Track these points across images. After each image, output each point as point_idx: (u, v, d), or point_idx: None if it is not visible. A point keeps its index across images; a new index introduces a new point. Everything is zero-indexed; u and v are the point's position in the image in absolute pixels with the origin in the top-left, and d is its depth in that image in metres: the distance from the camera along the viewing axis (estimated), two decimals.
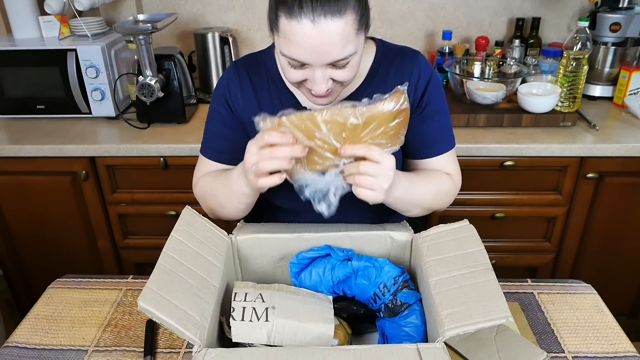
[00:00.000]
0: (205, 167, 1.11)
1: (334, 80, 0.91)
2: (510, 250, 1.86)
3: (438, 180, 1.04)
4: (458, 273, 0.84)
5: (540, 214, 1.79)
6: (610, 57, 1.93)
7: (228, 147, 1.09)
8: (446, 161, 1.08)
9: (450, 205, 1.74)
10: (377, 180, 0.83)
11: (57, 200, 1.82)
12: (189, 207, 0.97)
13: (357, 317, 0.97)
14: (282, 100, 1.05)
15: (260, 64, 1.07)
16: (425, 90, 1.04)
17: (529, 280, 1.16)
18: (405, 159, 1.11)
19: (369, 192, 0.84)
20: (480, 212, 1.76)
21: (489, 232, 1.80)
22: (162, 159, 1.71)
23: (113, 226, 1.87)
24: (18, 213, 1.86)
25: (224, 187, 1.00)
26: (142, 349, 0.99)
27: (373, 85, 1.04)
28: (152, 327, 1.04)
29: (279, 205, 1.14)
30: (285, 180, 1.01)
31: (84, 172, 1.74)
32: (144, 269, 1.90)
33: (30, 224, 1.88)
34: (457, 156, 1.63)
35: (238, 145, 1.08)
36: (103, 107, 1.85)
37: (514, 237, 1.84)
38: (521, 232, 1.83)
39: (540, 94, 1.78)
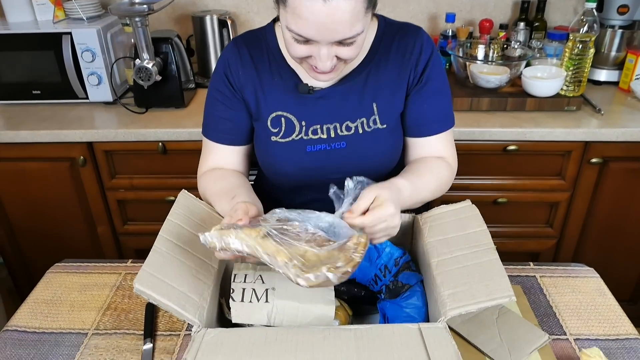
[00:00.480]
0: (211, 151, 1.11)
1: (338, 57, 0.91)
2: (512, 236, 1.86)
3: (437, 173, 1.04)
4: (460, 253, 0.84)
5: (542, 200, 1.79)
6: (617, 41, 1.92)
7: (231, 128, 1.09)
8: (443, 142, 1.08)
9: (452, 190, 1.74)
10: (390, 231, 0.83)
11: (56, 186, 1.82)
12: (186, 191, 0.97)
13: (358, 299, 0.97)
14: (282, 75, 1.05)
15: (260, 40, 1.07)
16: (426, 66, 1.04)
17: (531, 263, 1.16)
18: (405, 139, 1.10)
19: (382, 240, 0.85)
20: (483, 197, 1.76)
21: (491, 217, 1.80)
22: (160, 144, 1.70)
23: (112, 212, 1.88)
24: (17, 200, 1.86)
25: (221, 211, 1.00)
26: (142, 332, 1.00)
27: (375, 61, 1.04)
28: (152, 310, 1.04)
29: (282, 199, 1.16)
30: (291, 179, 1.07)
31: (81, 157, 1.74)
32: (144, 255, 1.86)
33: (29, 211, 1.89)
34: (460, 140, 1.65)
35: (240, 124, 1.08)
36: (100, 91, 1.84)
37: (516, 222, 1.84)
38: (523, 218, 1.83)
39: (545, 78, 1.77)
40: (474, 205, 0.95)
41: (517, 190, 1.77)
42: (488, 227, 0.90)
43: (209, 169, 1.11)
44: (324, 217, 0.82)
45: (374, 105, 1.04)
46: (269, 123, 1.05)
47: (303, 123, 1.04)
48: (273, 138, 1.05)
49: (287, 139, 1.04)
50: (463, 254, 0.84)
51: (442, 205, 0.96)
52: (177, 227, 0.89)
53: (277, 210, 0.85)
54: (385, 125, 1.04)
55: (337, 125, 1.03)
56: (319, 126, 1.03)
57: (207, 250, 0.88)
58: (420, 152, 1.08)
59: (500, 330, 0.95)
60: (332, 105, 1.04)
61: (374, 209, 0.80)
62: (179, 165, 1.77)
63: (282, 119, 1.04)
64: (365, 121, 1.04)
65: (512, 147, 1.67)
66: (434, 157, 1.07)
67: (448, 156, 1.08)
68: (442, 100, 1.06)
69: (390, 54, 1.04)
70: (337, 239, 0.80)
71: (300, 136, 1.04)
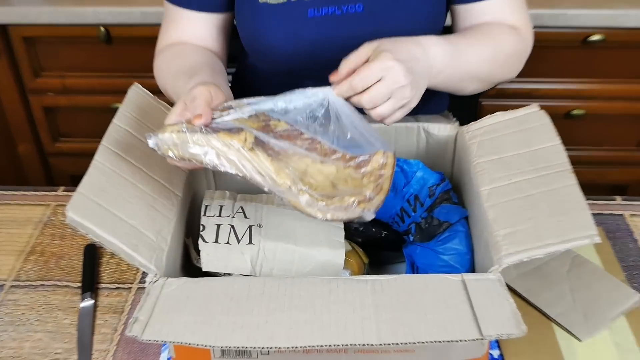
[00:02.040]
0: (174, 20, 1.10)
1: None
2: (591, 162, 1.86)
3: (495, 38, 1.00)
4: (522, 178, 0.82)
5: (634, 112, 1.77)
6: None
7: None
8: (509, 5, 1.04)
9: (509, 98, 1.71)
10: (397, 101, 0.81)
11: None
12: (139, 84, 0.94)
13: (377, 242, 0.97)
14: None
15: None
16: None
17: (617, 198, 1.16)
18: (452, 8, 1.08)
19: (394, 116, 0.84)
20: (552, 108, 1.70)
21: (563, 135, 1.76)
22: (102, 28, 1.67)
23: (38, 124, 1.87)
24: None
25: (176, 96, 0.98)
26: (80, 284, 1.00)
27: None
28: (92, 256, 1.04)
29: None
30: (285, 58, 1.07)
31: None
32: None
33: None
34: None
35: None
36: None
37: (596, 143, 1.84)
38: (606, 137, 1.83)
39: None
40: (543, 111, 0.92)
41: (599, 99, 1.75)
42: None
43: (169, 44, 1.10)
44: (318, 98, 0.80)
45: None
46: None
47: None
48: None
49: (281, 0, 1.01)
50: (526, 179, 0.82)
51: (497, 113, 0.93)
52: (127, 135, 0.87)
53: (247, 99, 0.83)
54: None
55: None
56: None
57: (168, 171, 0.87)
58: (474, 22, 1.05)
59: (573, 288, 0.94)
60: None
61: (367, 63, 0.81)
62: (128, 60, 1.75)
63: None
64: None
65: (596, 37, 1.63)
66: (495, 23, 1.04)
67: (518, 24, 1.05)
68: None
69: None
70: (341, 145, 0.79)
71: None
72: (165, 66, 1.04)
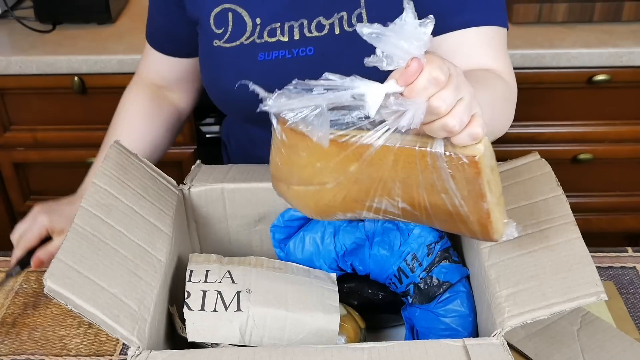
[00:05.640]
0: (148, 55, 1.22)
1: None
2: (600, 209, 1.86)
3: (486, 82, 0.93)
4: (524, 234, 0.83)
5: None
6: None
7: (173, 39, 1.18)
8: (488, 43, 0.99)
9: (510, 143, 1.72)
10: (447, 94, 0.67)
11: None
12: (119, 141, 0.95)
13: (374, 305, 0.98)
14: None
15: None
16: None
17: (629, 249, 1.16)
18: None
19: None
20: (556, 153, 1.76)
21: (569, 181, 1.76)
22: (76, 78, 1.68)
23: (7, 182, 1.87)
24: None
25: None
26: (56, 358, 1.00)
27: None
28: None
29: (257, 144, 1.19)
30: (238, 103, 1.13)
31: None
32: None
33: None
34: (523, 68, 1.63)
35: (181, 35, 1.15)
36: None
37: (606, 189, 1.84)
38: (617, 182, 1.84)
39: None
40: (543, 160, 0.93)
41: (607, 142, 1.76)
42: (565, 195, 0.88)
43: (139, 78, 1.24)
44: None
45: None
46: (212, 20, 1.06)
47: (257, 20, 1.04)
48: (216, 42, 1.07)
49: (234, 43, 1.05)
50: (528, 234, 0.83)
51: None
52: (108, 196, 0.87)
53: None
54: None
55: (305, 22, 1.02)
56: (278, 25, 1.03)
57: (150, 233, 0.87)
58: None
59: (584, 348, 0.94)
60: None
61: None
62: (104, 111, 1.73)
63: (230, 15, 1.05)
64: (345, 17, 1.02)
65: (601, 77, 1.66)
66: (477, 69, 0.99)
67: (499, 69, 1.00)
68: None
69: None
70: None
71: (251, 39, 1.04)
72: (114, 119, 1.22)
